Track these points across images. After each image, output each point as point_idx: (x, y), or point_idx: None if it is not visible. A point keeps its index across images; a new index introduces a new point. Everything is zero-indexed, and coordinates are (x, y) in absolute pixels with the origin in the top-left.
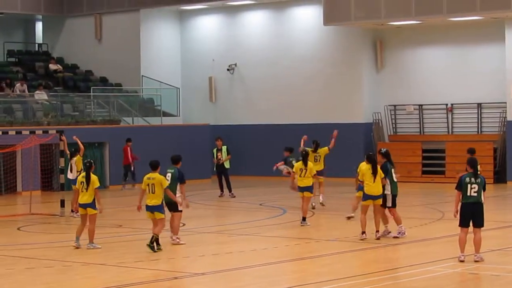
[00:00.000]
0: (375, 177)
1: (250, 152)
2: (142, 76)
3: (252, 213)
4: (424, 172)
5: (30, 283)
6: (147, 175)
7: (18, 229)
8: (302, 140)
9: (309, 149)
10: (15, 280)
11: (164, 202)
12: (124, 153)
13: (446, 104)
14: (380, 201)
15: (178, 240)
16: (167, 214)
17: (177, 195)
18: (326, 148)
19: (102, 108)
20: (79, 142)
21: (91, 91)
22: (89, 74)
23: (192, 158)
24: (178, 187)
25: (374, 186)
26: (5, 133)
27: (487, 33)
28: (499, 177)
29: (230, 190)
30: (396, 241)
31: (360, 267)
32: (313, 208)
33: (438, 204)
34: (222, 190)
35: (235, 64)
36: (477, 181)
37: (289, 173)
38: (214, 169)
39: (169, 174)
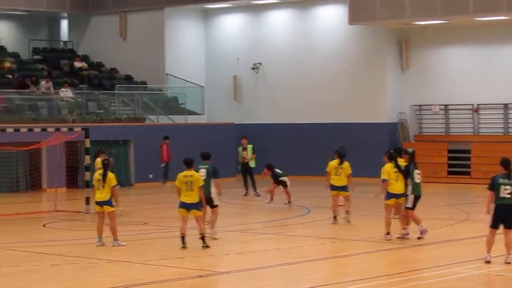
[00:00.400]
0: (398, 175)
1: (274, 151)
2: (167, 74)
3: (277, 212)
4: (449, 173)
5: (55, 279)
6: (183, 173)
7: (44, 226)
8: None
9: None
10: (40, 276)
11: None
12: (161, 150)
13: (472, 105)
14: (403, 199)
15: (214, 235)
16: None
17: (211, 190)
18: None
19: (126, 106)
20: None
21: (116, 89)
22: (114, 72)
23: (217, 157)
24: (212, 183)
25: (397, 185)
26: (30, 130)
27: None
28: None
29: (255, 189)
30: (421, 242)
31: (385, 267)
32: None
33: (463, 205)
34: (246, 189)
35: (260, 63)
36: (510, 182)
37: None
38: (239, 167)
39: (203, 170)
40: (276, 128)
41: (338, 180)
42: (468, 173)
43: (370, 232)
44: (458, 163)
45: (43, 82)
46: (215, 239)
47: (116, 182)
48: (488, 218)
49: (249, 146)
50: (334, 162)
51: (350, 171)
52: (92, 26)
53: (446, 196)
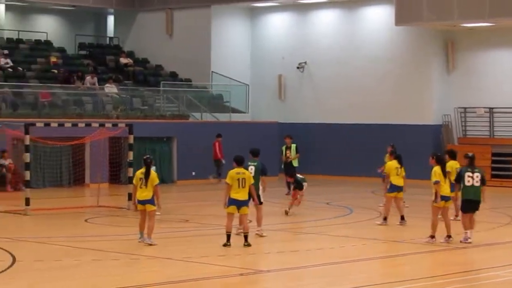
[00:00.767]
0: (445, 178)
1: (318, 150)
2: (212, 72)
3: (319, 212)
4: (493, 176)
5: (97, 274)
6: (235, 170)
7: (86, 221)
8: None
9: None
10: (82, 271)
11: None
12: (214, 148)
13: None
14: (450, 202)
15: (261, 232)
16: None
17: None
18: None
19: (171, 103)
20: None
21: (161, 86)
22: (159, 69)
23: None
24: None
25: (445, 187)
26: (74, 125)
27: None
28: None
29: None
30: (464, 245)
31: (428, 269)
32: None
33: (506, 208)
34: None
35: (305, 62)
36: None
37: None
38: (282, 167)
39: (252, 167)
40: (320, 128)
41: (399, 180)
42: None
43: (413, 233)
44: (502, 166)
45: (88, 78)
46: (262, 236)
47: (158, 181)
48: None
49: (293, 146)
50: (393, 163)
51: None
52: (138, 23)
53: (489, 199)
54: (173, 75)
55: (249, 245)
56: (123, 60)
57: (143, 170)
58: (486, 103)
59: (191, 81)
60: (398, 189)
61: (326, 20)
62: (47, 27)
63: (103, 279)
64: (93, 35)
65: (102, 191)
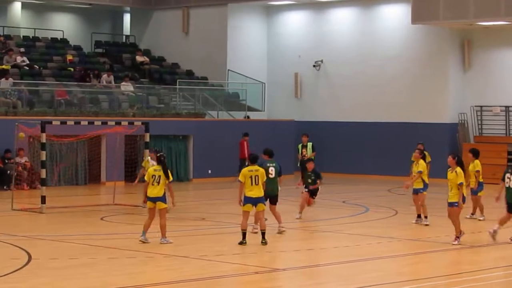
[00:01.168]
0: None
1: (334, 149)
2: (228, 70)
3: (335, 210)
4: None
5: (113, 273)
6: (248, 168)
7: (101, 219)
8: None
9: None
10: (98, 269)
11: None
12: (241, 147)
13: None
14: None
15: (283, 228)
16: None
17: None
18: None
19: (187, 101)
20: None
21: (177, 84)
22: (175, 67)
23: (276, 153)
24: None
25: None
26: (90, 123)
27: None
28: None
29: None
30: (479, 243)
31: (443, 268)
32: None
33: None
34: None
35: (321, 61)
36: None
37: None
38: (298, 165)
39: (272, 168)
40: (337, 126)
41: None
42: None
43: (429, 232)
44: None
45: (104, 76)
46: (282, 232)
47: (172, 179)
48: None
49: (309, 144)
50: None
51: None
52: (155, 21)
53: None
54: (189, 73)
55: (266, 243)
56: (139, 58)
57: (157, 167)
58: (502, 101)
59: (207, 79)
60: (416, 191)
61: (343, 18)
62: (63, 25)
63: (119, 278)
64: (109, 33)
65: (118, 189)
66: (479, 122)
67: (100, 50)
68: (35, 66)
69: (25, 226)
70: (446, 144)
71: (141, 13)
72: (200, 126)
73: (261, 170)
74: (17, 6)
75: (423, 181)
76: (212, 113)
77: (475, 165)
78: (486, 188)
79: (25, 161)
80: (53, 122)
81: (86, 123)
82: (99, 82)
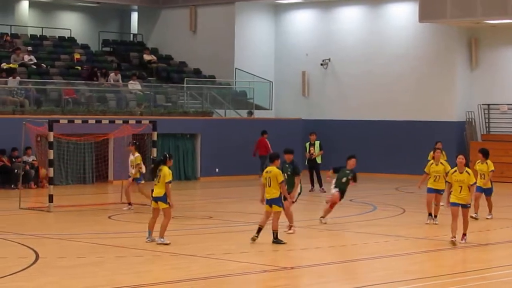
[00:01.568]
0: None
1: (341, 147)
2: (236, 68)
3: (342, 209)
4: None
5: (121, 271)
6: (266, 169)
7: (109, 217)
8: None
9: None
10: (106, 268)
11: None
12: (260, 144)
13: None
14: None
15: (293, 229)
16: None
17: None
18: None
19: (195, 99)
20: None
21: (185, 83)
22: (182, 66)
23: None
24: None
25: None
26: (98, 122)
27: None
28: None
29: (320, 185)
30: (486, 242)
31: (450, 266)
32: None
33: None
34: (312, 185)
35: (329, 59)
36: None
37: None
38: (306, 163)
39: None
40: (344, 124)
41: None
42: None
43: (436, 231)
44: None
45: (112, 74)
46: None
47: (171, 179)
48: None
49: (317, 142)
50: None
51: None
52: (162, 19)
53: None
54: (197, 72)
55: (279, 242)
56: (147, 57)
57: (162, 167)
58: (509, 99)
59: (214, 78)
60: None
61: (350, 17)
62: (70, 23)
63: (126, 276)
64: (117, 32)
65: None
66: (487, 121)
67: (107, 49)
68: (43, 64)
69: (32, 225)
70: (454, 143)
71: (148, 12)
72: (208, 124)
73: (274, 171)
74: (24, 5)
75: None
76: (220, 112)
77: (489, 165)
78: (494, 186)
79: (33, 160)
80: (61, 121)
81: (94, 121)
82: (107, 81)
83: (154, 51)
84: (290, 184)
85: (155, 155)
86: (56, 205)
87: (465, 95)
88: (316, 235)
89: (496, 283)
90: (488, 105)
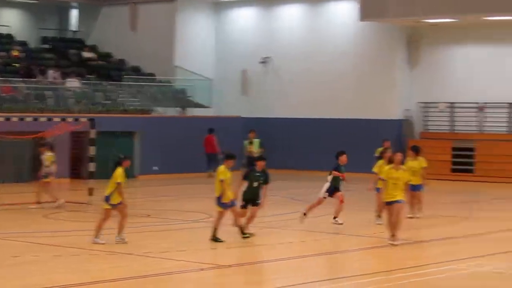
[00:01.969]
0: None
1: (282, 145)
2: (176, 66)
3: (282, 207)
4: (453, 170)
5: (58, 270)
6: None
7: (45, 216)
8: None
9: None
10: (43, 267)
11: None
12: (207, 142)
13: (478, 103)
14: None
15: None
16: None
17: None
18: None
19: (134, 97)
20: None
21: (124, 80)
22: (122, 63)
23: (223, 150)
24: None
25: None
26: (36, 119)
27: None
28: None
29: None
30: (423, 239)
31: (386, 263)
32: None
33: (466, 203)
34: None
35: (269, 57)
36: None
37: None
38: (244, 161)
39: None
40: (285, 122)
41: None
42: (471, 171)
43: (374, 228)
44: (462, 160)
45: (50, 72)
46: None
47: (122, 180)
48: None
49: (256, 140)
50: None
51: None
52: (102, 16)
53: (449, 194)
54: (136, 70)
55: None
56: (86, 54)
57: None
58: (447, 98)
59: (154, 76)
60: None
61: (291, 14)
62: (9, 20)
63: (64, 275)
64: (56, 29)
65: (63, 186)
66: (425, 119)
67: (46, 46)
68: None
69: None
70: (393, 140)
71: (88, 9)
72: (147, 122)
73: (218, 170)
74: None
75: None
76: (159, 110)
77: (420, 162)
78: (431, 184)
79: None
80: None
81: (31, 119)
82: (45, 78)
83: (93, 49)
84: (255, 193)
85: (93, 153)
86: None
87: (405, 93)
88: (256, 233)
89: (433, 280)
90: (426, 103)
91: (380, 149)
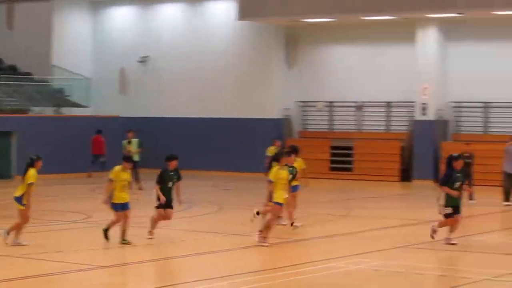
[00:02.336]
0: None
1: (161, 145)
2: (53, 65)
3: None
4: (332, 169)
5: None
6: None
7: None
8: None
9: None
10: None
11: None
12: (95, 143)
13: (356, 102)
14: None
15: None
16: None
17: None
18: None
19: (10, 97)
20: None
21: (0, 80)
22: None
23: (102, 150)
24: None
25: None
26: None
27: (398, 33)
28: (405, 175)
29: (138, 182)
30: (300, 237)
31: (265, 262)
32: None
33: (344, 201)
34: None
35: (148, 56)
36: None
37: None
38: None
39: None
40: (164, 122)
41: None
42: (350, 170)
43: (250, 227)
44: (341, 159)
45: None
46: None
47: (33, 181)
48: None
49: (134, 140)
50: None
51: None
52: None
53: (327, 192)
54: (13, 69)
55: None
56: None
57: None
58: (326, 97)
59: (31, 75)
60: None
61: (170, 14)
62: None
63: None
64: None
65: None
66: (303, 118)
67: None
68: None
69: None
70: (272, 140)
71: None
72: (24, 122)
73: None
74: None
75: None
76: (37, 109)
77: (300, 162)
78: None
79: None
80: None
81: None
82: None
83: None
84: (170, 193)
85: None
86: None
87: (283, 93)
88: (135, 233)
89: (309, 278)
90: (305, 102)
91: (272, 147)
